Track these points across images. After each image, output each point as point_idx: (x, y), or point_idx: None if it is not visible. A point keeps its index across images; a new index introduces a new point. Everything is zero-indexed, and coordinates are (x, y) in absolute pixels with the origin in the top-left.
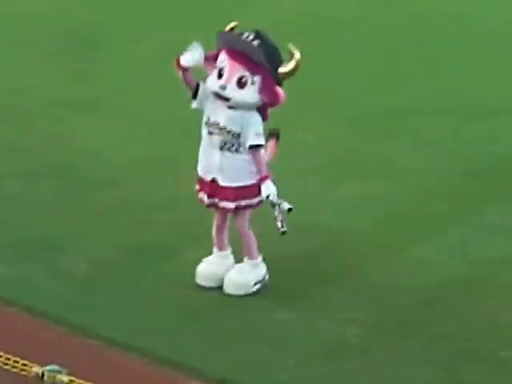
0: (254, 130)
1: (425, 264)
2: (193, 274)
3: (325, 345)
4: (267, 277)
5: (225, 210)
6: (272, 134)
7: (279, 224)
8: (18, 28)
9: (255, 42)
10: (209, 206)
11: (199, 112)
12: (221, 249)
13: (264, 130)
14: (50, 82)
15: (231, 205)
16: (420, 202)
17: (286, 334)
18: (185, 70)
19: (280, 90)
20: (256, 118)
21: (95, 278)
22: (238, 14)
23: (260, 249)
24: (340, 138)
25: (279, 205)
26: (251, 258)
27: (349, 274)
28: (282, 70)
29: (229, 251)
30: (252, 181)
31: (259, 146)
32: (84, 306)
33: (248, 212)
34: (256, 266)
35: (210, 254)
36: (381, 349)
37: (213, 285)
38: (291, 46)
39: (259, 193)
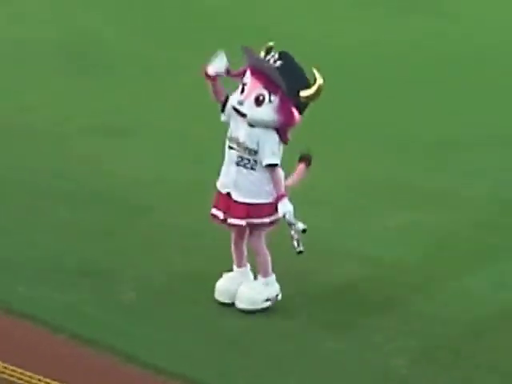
0: (270, 149)
1: (472, 295)
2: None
3: (373, 375)
4: (280, 296)
5: (235, 227)
6: (303, 158)
7: (295, 243)
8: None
9: (278, 63)
10: (223, 221)
11: None
12: (239, 265)
13: (281, 150)
14: (91, 108)
15: (242, 222)
16: (469, 232)
17: (336, 363)
18: (212, 79)
19: (295, 112)
20: (273, 137)
21: (143, 305)
22: (284, 41)
23: (308, 279)
24: (390, 167)
25: (295, 225)
26: (264, 275)
27: (397, 304)
28: (302, 93)
29: (247, 268)
30: (264, 199)
31: (275, 165)
32: (131, 334)
33: (262, 231)
34: (268, 283)
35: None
36: (428, 380)
37: (227, 301)
38: (315, 71)
39: (272, 213)
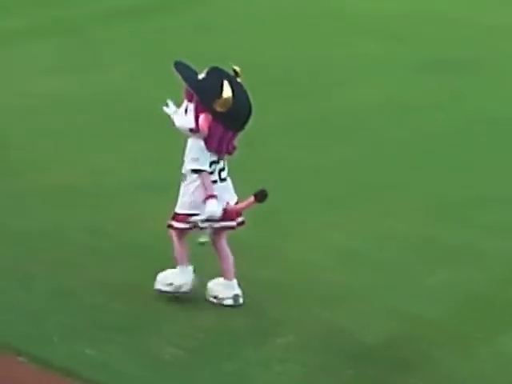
0: (191, 155)
1: (508, 355)
2: (281, 360)
3: None
4: (185, 288)
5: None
6: (255, 194)
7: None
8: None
9: (200, 76)
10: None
11: None
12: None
13: (207, 158)
14: (125, 163)
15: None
16: (503, 288)
17: None
18: None
19: (201, 120)
20: (195, 144)
21: (182, 362)
22: None
23: (345, 337)
24: (418, 226)
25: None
26: (177, 263)
27: (431, 363)
28: (214, 103)
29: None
30: (185, 211)
31: (197, 170)
32: None
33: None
34: (179, 272)
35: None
36: None
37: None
38: (226, 84)
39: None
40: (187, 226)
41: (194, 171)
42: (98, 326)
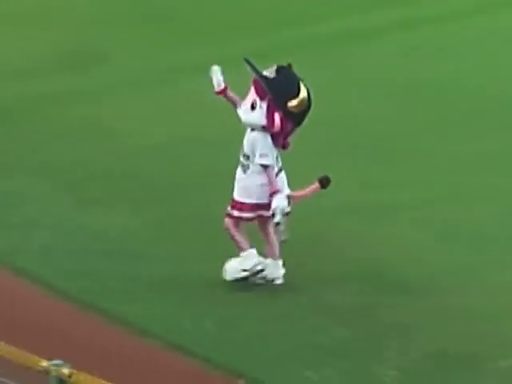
0: (259, 151)
1: None
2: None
3: None
4: (258, 267)
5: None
6: (320, 180)
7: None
8: None
9: (272, 75)
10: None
11: None
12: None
13: (273, 153)
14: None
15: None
16: None
17: None
18: (220, 93)
19: (277, 119)
20: (263, 140)
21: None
22: None
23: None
24: None
25: (279, 223)
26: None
27: None
28: (289, 103)
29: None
30: (253, 200)
31: (265, 165)
32: None
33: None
34: (245, 257)
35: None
36: None
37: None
38: (301, 84)
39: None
40: (254, 215)
41: (264, 166)
42: (319, 348)
